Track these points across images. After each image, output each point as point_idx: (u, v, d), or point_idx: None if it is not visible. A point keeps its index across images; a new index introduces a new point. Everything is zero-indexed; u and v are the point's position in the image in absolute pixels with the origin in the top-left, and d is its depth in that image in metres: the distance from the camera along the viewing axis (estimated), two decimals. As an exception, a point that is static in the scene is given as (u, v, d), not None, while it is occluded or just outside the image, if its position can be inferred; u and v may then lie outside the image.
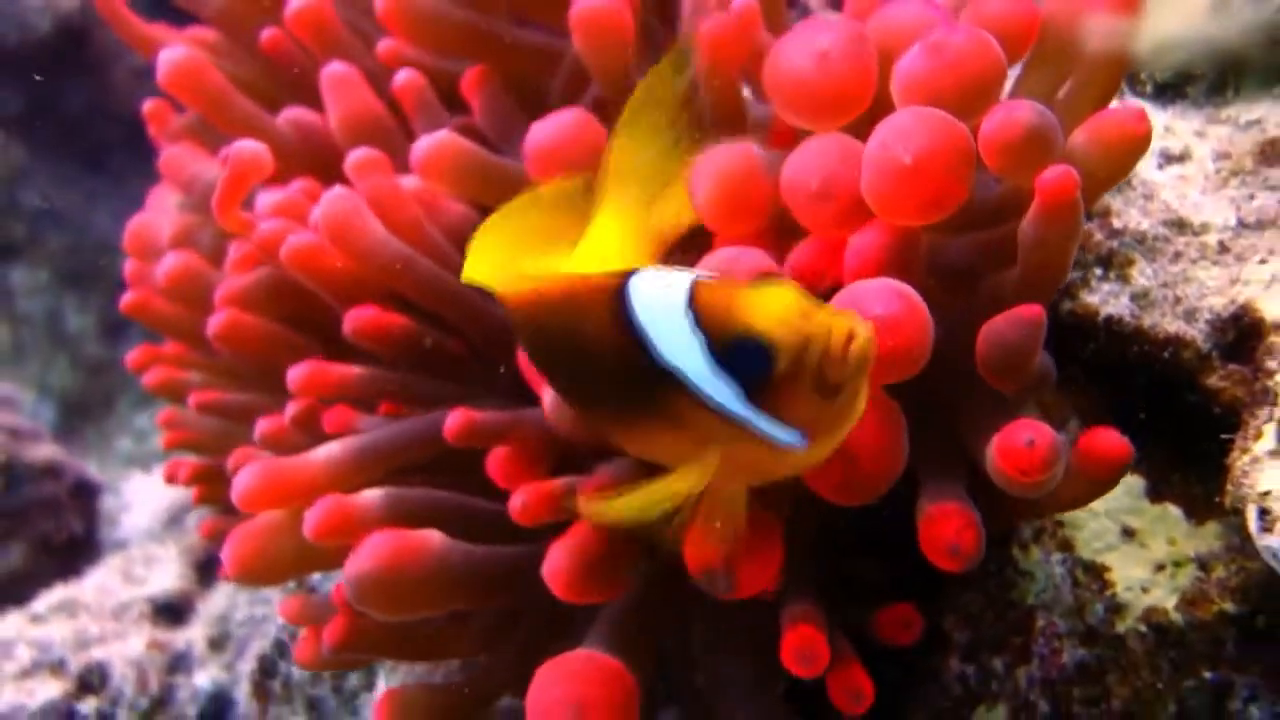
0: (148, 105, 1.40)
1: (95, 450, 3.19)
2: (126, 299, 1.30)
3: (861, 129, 0.90)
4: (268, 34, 1.26)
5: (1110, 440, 0.84)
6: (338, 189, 1.01)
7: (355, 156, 1.04)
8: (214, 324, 1.12)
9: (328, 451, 1.00)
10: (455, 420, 0.97)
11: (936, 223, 0.88)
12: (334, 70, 1.17)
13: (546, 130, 0.99)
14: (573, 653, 0.91)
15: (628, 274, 0.76)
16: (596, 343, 0.77)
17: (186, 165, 1.29)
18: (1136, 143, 0.86)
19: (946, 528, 0.84)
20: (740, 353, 0.72)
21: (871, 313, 0.80)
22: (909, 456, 0.90)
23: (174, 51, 1.20)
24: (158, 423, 1.45)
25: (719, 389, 0.73)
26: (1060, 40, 0.95)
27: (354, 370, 1.06)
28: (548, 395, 0.97)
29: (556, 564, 0.90)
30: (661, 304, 0.74)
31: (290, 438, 1.10)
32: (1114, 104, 1.11)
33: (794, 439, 0.74)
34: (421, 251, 1.04)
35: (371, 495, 0.99)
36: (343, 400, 1.06)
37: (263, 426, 1.13)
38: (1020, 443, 0.80)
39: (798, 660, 0.88)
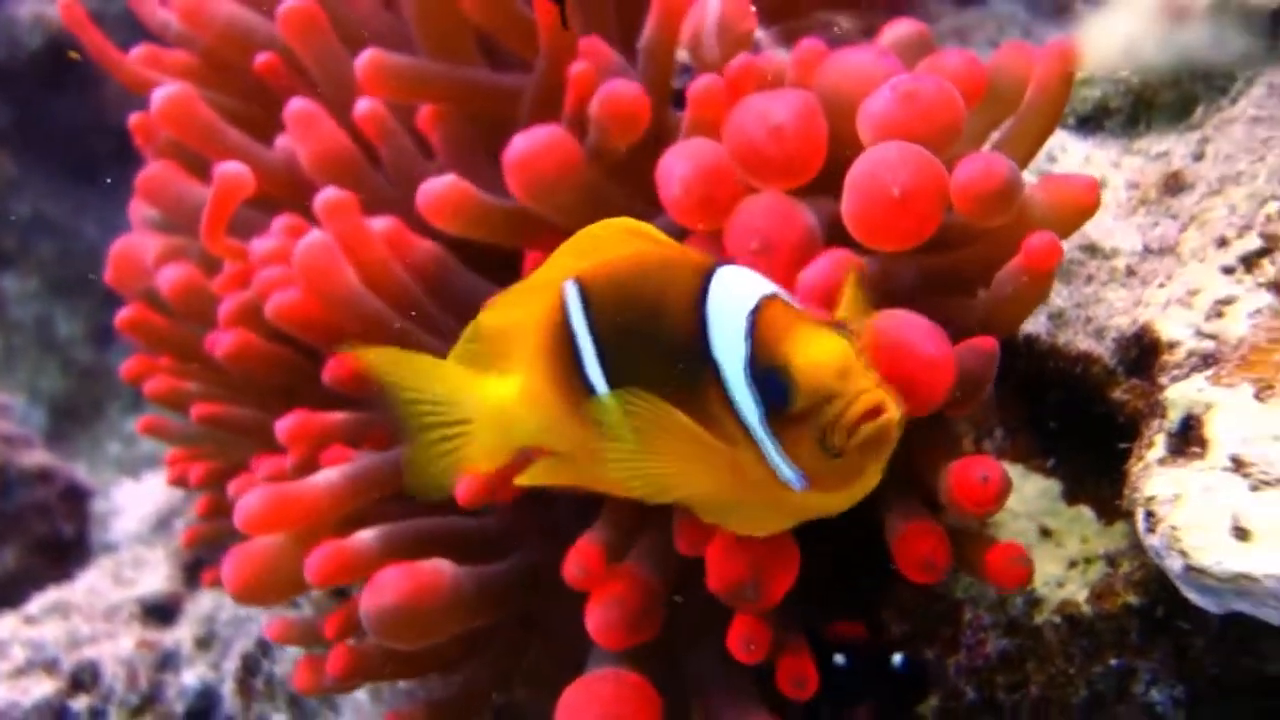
0: (134, 118, 1.43)
1: (85, 454, 3.24)
2: (123, 315, 1.33)
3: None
4: (262, 58, 1.30)
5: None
6: (314, 235, 1.08)
7: (323, 198, 1.10)
8: (223, 344, 1.17)
9: (326, 478, 1.06)
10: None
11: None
12: (298, 107, 1.20)
13: (524, 143, 1.04)
14: (598, 673, 0.96)
15: (721, 261, 0.82)
16: (670, 314, 0.80)
17: (169, 185, 1.33)
18: (1086, 210, 0.96)
19: (922, 545, 0.91)
20: (769, 379, 0.76)
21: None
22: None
23: (167, 89, 1.26)
24: (139, 430, 1.49)
25: (746, 400, 0.77)
26: (1001, 91, 1.05)
27: (338, 416, 1.11)
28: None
29: (603, 619, 0.94)
30: (733, 300, 0.78)
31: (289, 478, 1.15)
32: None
33: (794, 477, 0.78)
34: (390, 292, 1.10)
35: (366, 534, 1.04)
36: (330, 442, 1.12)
37: (265, 469, 1.18)
38: (975, 479, 0.87)
39: (741, 646, 0.94)
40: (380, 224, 1.14)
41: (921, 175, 0.88)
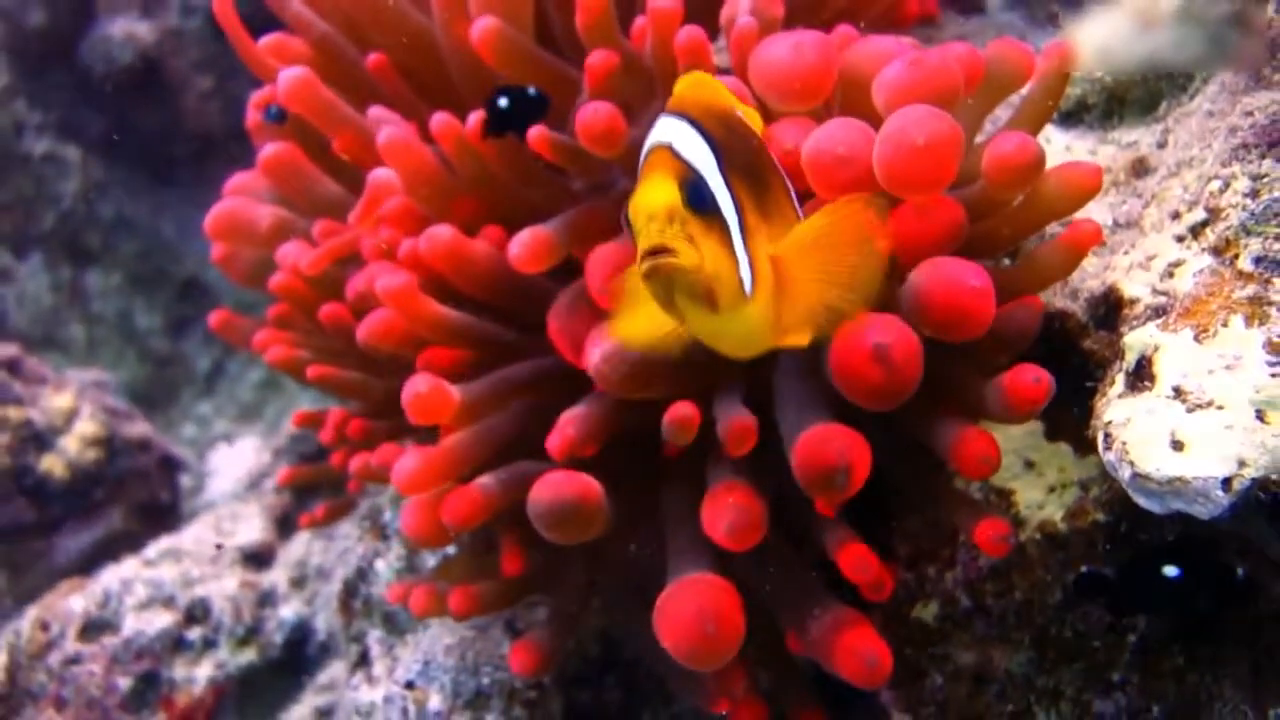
0: (255, 96, 1.59)
1: (162, 435, 3.52)
2: (276, 279, 1.49)
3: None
4: (374, 58, 1.45)
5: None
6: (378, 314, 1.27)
7: (382, 286, 1.25)
8: (367, 324, 1.31)
9: (462, 389, 1.22)
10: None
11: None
12: (389, 135, 1.32)
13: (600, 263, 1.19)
14: (690, 577, 1.10)
15: (674, 111, 0.93)
16: None
17: (291, 166, 1.48)
18: (1090, 192, 1.12)
19: (978, 445, 1.07)
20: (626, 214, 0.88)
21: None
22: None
23: (292, 71, 1.41)
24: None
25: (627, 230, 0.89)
26: (996, 78, 1.21)
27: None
28: (595, 354, 1.14)
29: (732, 523, 1.08)
30: (647, 144, 0.91)
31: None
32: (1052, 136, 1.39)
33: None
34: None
35: (484, 479, 1.20)
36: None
37: (353, 427, 1.37)
38: (1029, 380, 1.05)
39: (855, 571, 1.11)
40: (442, 232, 1.26)
41: (941, 128, 1.04)
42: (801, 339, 0.98)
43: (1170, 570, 1.10)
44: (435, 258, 1.26)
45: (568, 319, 1.24)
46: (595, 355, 1.16)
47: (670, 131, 0.91)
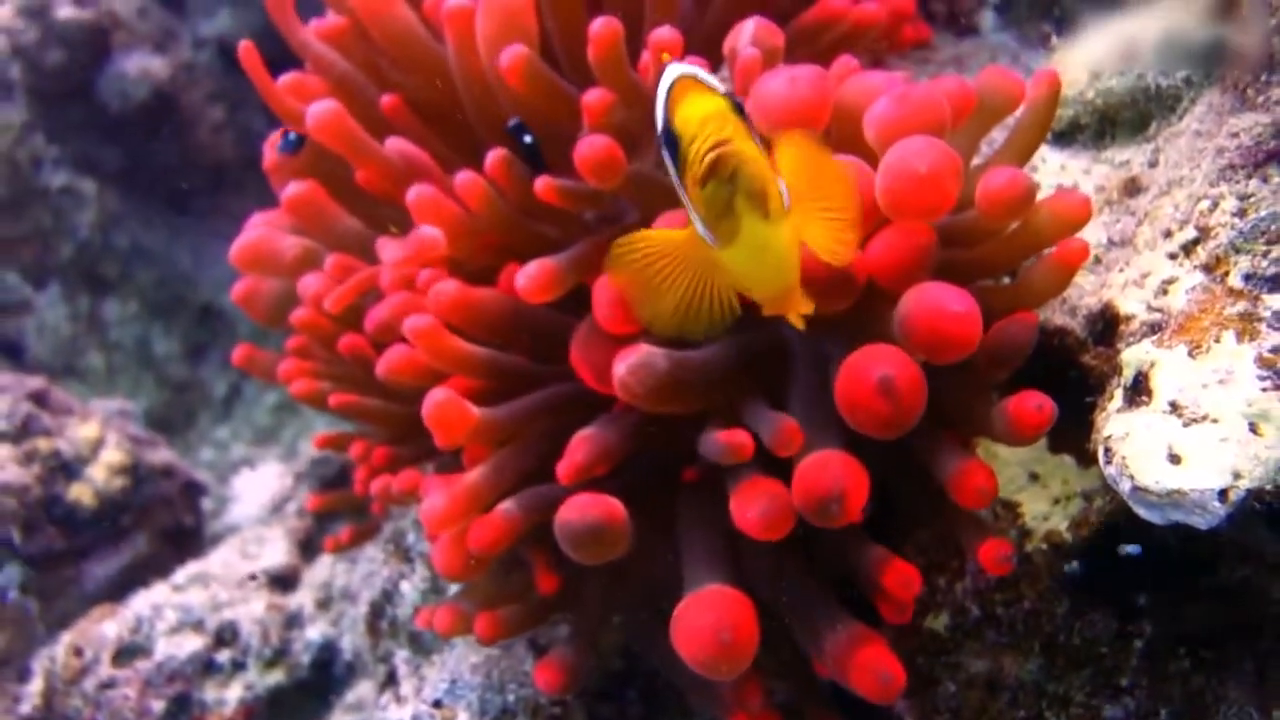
0: (272, 136, 1.62)
1: (182, 460, 3.57)
2: (299, 314, 1.53)
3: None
4: (387, 99, 1.50)
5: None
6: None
7: (410, 325, 1.28)
8: (386, 359, 1.35)
9: (481, 411, 1.26)
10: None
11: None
12: (419, 193, 1.36)
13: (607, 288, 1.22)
14: (707, 589, 1.12)
15: (673, 62, 0.95)
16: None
17: (314, 205, 1.52)
18: (1080, 222, 1.17)
19: (977, 477, 1.11)
20: (669, 136, 0.89)
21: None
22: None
23: (322, 105, 1.45)
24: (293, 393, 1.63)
25: (667, 161, 0.90)
26: (988, 105, 1.25)
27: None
28: (620, 367, 1.16)
29: (766, 511, 1.09)
30: (661, 84, 0.93)
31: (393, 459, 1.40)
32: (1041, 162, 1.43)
33: (704, 231, 0.90)
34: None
35: (505, 505, 1.22)
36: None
37: (377, 455, 1.43)
38: (1032, 407, 1.09)
39: (900, 588, 1.14)
40: (447, 287, 1.31)
41: (941, 158, 1.09)
42: (807, 305, 1.01)
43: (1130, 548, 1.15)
44: (443, 312, 1.31)
45: (588, 346, 1.27)
46: (621, 369, 1.18)
47: (687, 68, 0.94)
